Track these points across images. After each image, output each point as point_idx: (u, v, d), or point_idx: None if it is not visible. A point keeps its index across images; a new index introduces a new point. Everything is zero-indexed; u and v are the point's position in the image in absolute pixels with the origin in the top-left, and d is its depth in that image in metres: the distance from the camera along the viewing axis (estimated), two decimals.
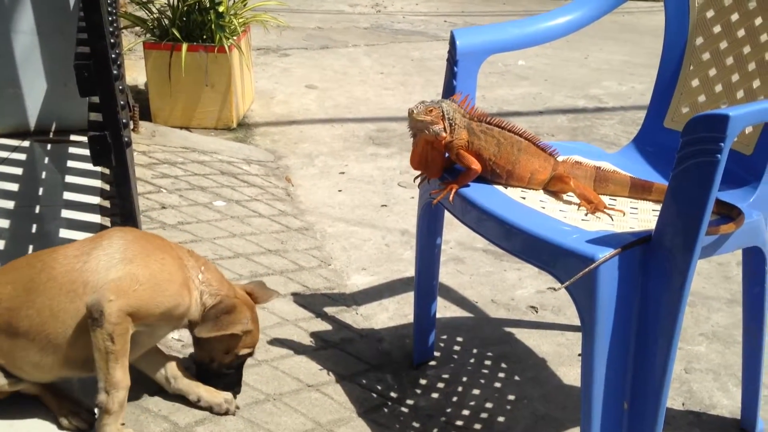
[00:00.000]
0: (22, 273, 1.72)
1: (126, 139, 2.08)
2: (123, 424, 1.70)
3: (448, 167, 1.93)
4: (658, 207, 1.56)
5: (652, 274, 1.52)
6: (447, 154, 1.89)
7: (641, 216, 1.79)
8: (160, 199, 3.12)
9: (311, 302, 2.62)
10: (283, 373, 2.16)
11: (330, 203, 3.56)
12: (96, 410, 1.72)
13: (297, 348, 2.30)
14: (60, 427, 1.73)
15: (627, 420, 1.60)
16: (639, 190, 1.89)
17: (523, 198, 1.83)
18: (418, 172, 1.99)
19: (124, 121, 2.04)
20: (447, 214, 2.06)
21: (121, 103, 2.04)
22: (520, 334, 2.57)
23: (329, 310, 2.60)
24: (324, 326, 2.49)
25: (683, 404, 2.24)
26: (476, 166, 1.83)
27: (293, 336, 2.37)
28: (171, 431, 1.79)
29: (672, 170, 1.47)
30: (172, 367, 1.89)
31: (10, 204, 2.83)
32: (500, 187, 1.87)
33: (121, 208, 2.11)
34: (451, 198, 1.85)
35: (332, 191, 3.69)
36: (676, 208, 1.47)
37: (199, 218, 3.05)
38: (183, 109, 4.28)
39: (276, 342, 2.30)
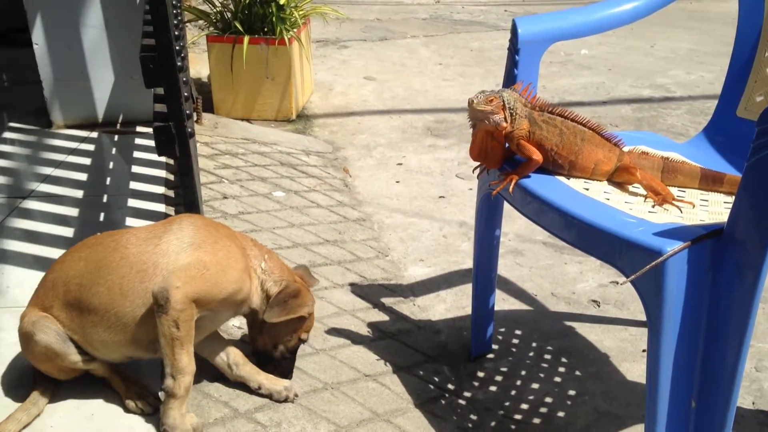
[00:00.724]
0: (95, 251, 1.78)
1: (189, 130, 2.12)
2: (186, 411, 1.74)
3: (508, 158, 1.90)
4: (730, 199, 1.50)
5: (723, 268, 1.46)
6: (507, 145, 1.86)
7: (712, 208, 1.72)
8: (221, 189, 3.18)
9: (368, 293, 2.62)
10: (341, 363, 2.17)
11: (387, 194, 3.56)
12: (162, 395, 1.76)
13: (354, 338, 2.31)
14: (126, 409, 1.78)
15: (694, 419, 1.54)
16: (710, 181, 1.81)
17: (587, 189, 1.78)
18: (477, 163, 1.96)
19: (187, 112, 2.08)
20: (506, 206, 2.03)
21: (185, 94, 2.08)
22: (581, 328, 2.52)
23: (386, 300, 2.60)
24: (381, 317, 2.49)
25: (753, 403, 2.15)
26: (537, 156, 1.79)
27: (351, 326, 2.38)
28: (231, 416, 1.82)
29: (746, 161, 1.40)
30: (234, 354, 1.92)
31: (79, 193, 2.93)
32: (562, 178, 1.83)
33: (185, 198, 2.15)
34: (510, 189, 1.81)
35: (390, 182, 3.69)
36: (751, 200, 1.40)
37: (259, 208, 3.09)
38: (244, 100, 4.34)
39: (333, 332, 2.31)
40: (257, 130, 4.13)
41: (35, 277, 2.25)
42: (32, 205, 2.81)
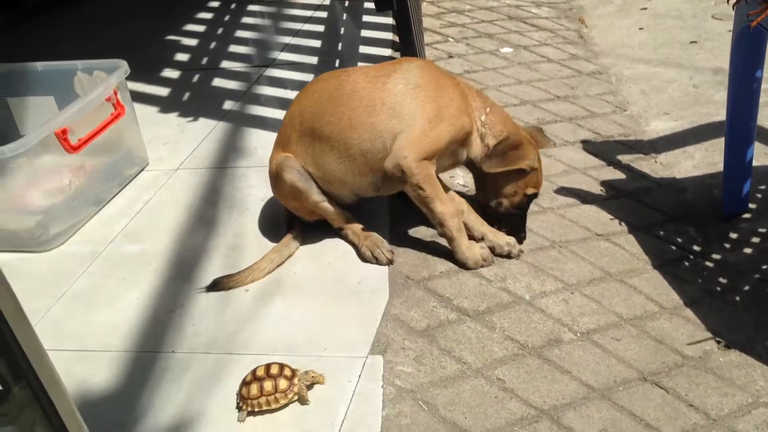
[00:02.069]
0: (329, 83, 1.87)
1: None
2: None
3: None
4: None
5: None
6: None
7: None
8: (447, 49, 3.10)
9: (602, 150, 2.44)
10: (570, 222, 2.07)
11: (629, 43, 3.21)
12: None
13: (585, 197, 2.17)
14: (362, 258, 1.88)
15: None
16: None
17: None
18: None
19: None
20: None
21: None
22: None
23: (623, 158, 2.40)
24: (616, 175, 2.31)
25: None
26: None
27: (581, 184, 2.24)
28: (455, 270, 1.83)
29: None
30: (459, 200, 1.91)
31: (314, 59, 3.05)
32: None
33: (403, 54, 2.12)
34: None
35: (632, 30, 3.32)
36: None
37: (485, 66, 2.97)
38: None
39: (562, 190, 2.19)
40: None
41: None
42: (275, 72, 2.99)
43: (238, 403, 1.48)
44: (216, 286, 1.81)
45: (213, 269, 1.89)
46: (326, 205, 1.89)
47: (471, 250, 1.83)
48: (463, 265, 1.83)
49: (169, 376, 1.59)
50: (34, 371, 0.75)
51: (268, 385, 1.43)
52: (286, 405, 1.46)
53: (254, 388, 1.44)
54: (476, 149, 1.86)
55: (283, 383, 1.44)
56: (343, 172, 1.84)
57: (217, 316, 1.74)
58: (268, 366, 1.47)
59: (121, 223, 2.14)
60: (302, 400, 1.47)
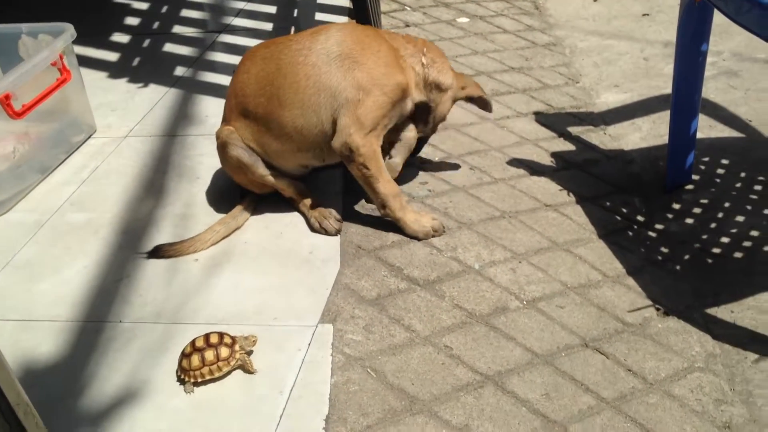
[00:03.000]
0: (255, 63, 1.84)
1: None
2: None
3: None
4: None
5: None
6: None
7: None
8: (404, 17, 3.08)
9: (554, 121, 2.47)
10: (520, 192, 2.10)
11: (583, 15, 3.24)
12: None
13: (536, 168, 2.21)
14: (311, 228, 1.88)
15: None
16: None
17: None
18: None
19: None
20: (721, 19, 1.73)
21: None
22: None
23: (573, 129, 2.43)
24: (567, 146, 2.34)
25: None
26: None
27: (532, 155, 2.27)
28: (407, 241, 1.85)
29: None
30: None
31: (269, 26, 3.00)
32: None
33: (358, 22, 2.09)
34: None
35: (586, 2, 3.34)
36: None
37: (442, 35, 2.96)
38: None
39: (514, 162, 2.22)
40: None
41: None
42: (228, 38, 2.94)
43: (179, 376, 1.47)
44: (157, 252, 1.80)
45: (161, 239, 1.87)
46: (273, 179, 1.88)
47: (419, 223, 1.84)
48: (414, 238, 1.85)
49: (116, 345, 1.58)
50: None
51: (209, 354, 1.44)
52: (229, 372, 1.47)
53: (195, 359, 1.44)
54: (420, 95, 1.88)
55: (224, 351, 1.45)
56: (284, 149, 1.83)
57: (166, 286, 1.73)
58: (207, 336, 1.47)
59: (68, 191, 2.10)
60: (247, 368, 1.48)
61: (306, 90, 1.74)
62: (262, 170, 1.86)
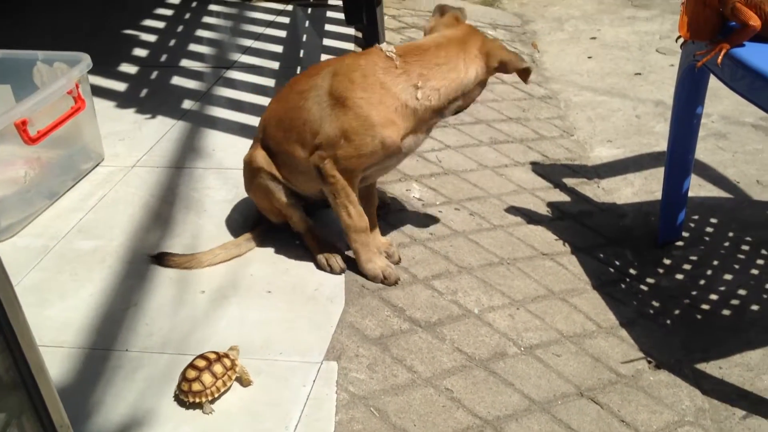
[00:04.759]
0: (279, 97, 1.94)
1: None
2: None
3: (720, 28, 1.69)
4: None
5: None
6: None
7: None
8: None
9: (550, 172, 2.55)
10: (518, 240, 2.16)
11: (578, 70, 3.36)
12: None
13: (533, 216, 2.28)
14: (317, 266, 1.92)
15: None
16: None
17: None
18: (681, 37, 1.76)
19: None
20: (712, 82, 1.83)
21: None
22: None
23: (569, 181, 2.52)
24: (562, 197, 2.42)
25: None
26: (755, 22, 1.58)
27: (529, 204, 2.34)
28: (410, 282, 1.90)
29: None
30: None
31: (275, 65, 3.08)
32: None
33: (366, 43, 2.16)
34: (719, 59, 1.63)
35: (581, 58, 3.47)
36: None
37: None
38: None
39: (512, 209, 2.29)
40: None
41: (237, 141, 2.45)
42: (235, 75, 3.01)
43: (192, 401, 1.49)
44: (160, 258, 1.90)
45: (168, 270, 1.90)
46: (292, 210, 1.93)
47: (372, 263, 1.87)
48: (365, 277, 1.88)
49: (122, 374, 1.60)
50: (24, 357, 0.77)
51: (217, 368, 1.50)
52: (233, 381, 1.54)
53: (207, 377, 1.49)
54: (432, 119, 1.79)
55: (226, 362, 1.53)
56: (300, 180, 1.91)
57: (172, 316, 1.76)
58: (201, 356, 1.53)
59: (75, 217, 2.12)
60: (244, 381, 1.55)
61: (304, 135, 1.81)
62: (284, 198, 1.92)
